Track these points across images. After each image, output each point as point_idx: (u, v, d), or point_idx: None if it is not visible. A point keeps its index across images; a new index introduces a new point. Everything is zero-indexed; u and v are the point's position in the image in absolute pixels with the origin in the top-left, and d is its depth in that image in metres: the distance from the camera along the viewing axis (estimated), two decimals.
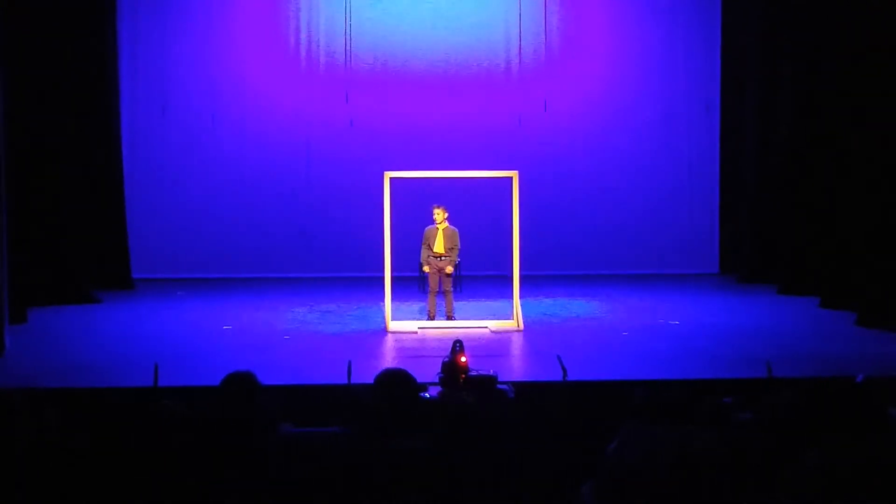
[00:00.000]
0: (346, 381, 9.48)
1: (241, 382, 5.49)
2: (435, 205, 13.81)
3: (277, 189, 18.27)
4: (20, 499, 5.06)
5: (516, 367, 11.59)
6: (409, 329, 13.21)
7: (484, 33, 18.30)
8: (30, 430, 5.36)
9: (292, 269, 18.07)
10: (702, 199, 18.75)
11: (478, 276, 16.83)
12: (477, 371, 7.31)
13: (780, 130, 16.66)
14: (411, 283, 15.86)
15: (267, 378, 5.65)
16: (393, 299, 13.57)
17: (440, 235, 13.74)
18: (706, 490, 5.08)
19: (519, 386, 8.02)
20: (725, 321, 13.86)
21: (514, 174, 13.66)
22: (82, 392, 9.21)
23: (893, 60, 13.54)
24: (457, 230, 13.85)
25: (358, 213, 17.59)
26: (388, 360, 11.65)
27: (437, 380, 7.37)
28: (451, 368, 7.31)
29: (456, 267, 13.96)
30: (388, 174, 13.52)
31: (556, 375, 9.77)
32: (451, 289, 13.92)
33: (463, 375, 7.23)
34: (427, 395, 7.14)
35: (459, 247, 13.90)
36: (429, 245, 13.78)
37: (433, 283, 13.83)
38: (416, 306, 14.73)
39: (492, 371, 7.32)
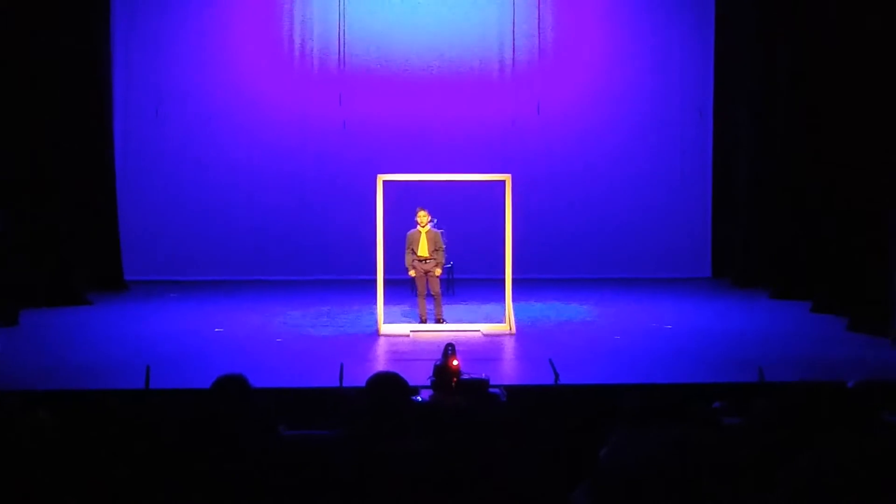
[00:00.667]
0: (337, 385, 9.49)
1: (233, 385, 5.49)
2: (419, 207, 13.80)
3: (270, 191, 18.27)
4: (13, 501, 5.05)
5: (508, 371, 11.59)
6: (401, 332, 13.21)
7: (477, 36, 18.31)
8: (21, 433, 5.35)
9: (285, 271, 18.07)
10: (695, 204, 18.78)
11: (470, 280, 16.83)
12: (469, 375, 7.31)
13: (773, 135, 16.69)
14: (404, 287, 15.86)
15: (259, 381, 5.65)
16: (385, 302, 13.56)
17: (423, 238, 13.74)
18: (697, 494, 5.08)
19: (511, 389, 8.03)
20: (718, 325, 13.87)
21: (506, 178, 13.66)
22: (74, 394, 9.19)
23: (887, 66, 13.57)
24: (440, 232, 13.84)
25: (351, 216, 17.58)
26: (380, 363, 11.65)
27: (428, 383, 7.37)
28: (443, 372, 7.31)
29: (449, 270, 13.95)
30: (382, 177, 13.51)
31: (549, 379, 9.79)
32: (440, 291, 13.91)
33: (455, 379, 7.23)
34: (419, 398, 7.14)
35: (444, 248, 13.89)
36: (412, 249, 13.77)
37: (421, 286, 13.83)
38: (408, 310, 14.72)
39: (484, 375, 7.32)
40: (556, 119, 18.47)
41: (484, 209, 16.78)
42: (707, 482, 5.09)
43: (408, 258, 13.84)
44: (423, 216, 13.74)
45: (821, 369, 10.63)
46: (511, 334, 13.18)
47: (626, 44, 18.61)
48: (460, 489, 4.99)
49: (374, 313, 13.62)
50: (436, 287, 13.82)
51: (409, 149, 17.92)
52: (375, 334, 13.16)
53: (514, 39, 18.27)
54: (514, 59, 18.31)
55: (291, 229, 18.31)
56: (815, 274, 14.99)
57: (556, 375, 9.76)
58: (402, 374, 5.53)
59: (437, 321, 13.68)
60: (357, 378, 8.55)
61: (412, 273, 13.85)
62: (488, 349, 12.34)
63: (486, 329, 13.36)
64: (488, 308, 14.71)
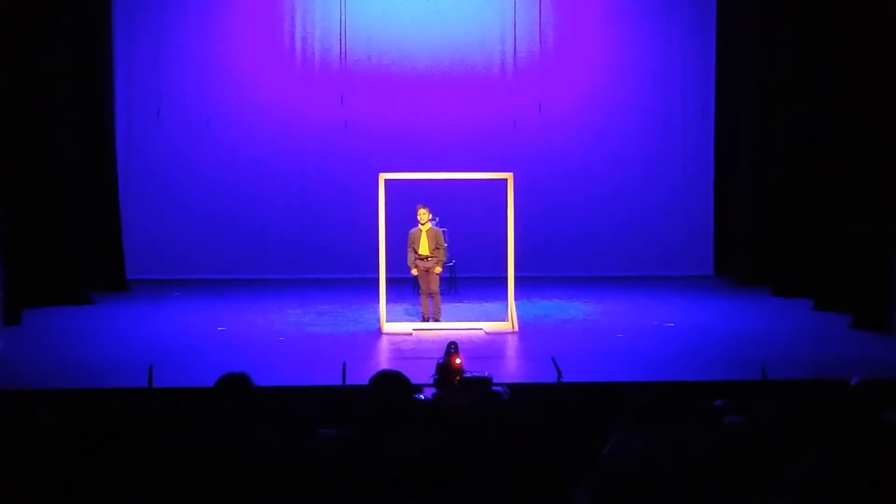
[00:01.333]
0: (340, 383, 9.50)
1: (236, 384, 5.49)
2: (420, 205, 13.79)
3: (272, 190, 18.26)
4: (15, 500, 5.05)
5: (511, 369, 11.60)
6: (403, 331, 13.22)
7: (478, 36, 18.30)
8: (23, 433, 5.36)
9: (287, 270, 18.06)
10: (697, 202, 18.77)
11: (473, 278, 16.84)
12: (472, 373, 7.32)
13: (775, 133, 16.68)
14: (406, 285, 15.86)
15: (262, 379, 5.65)
16: (388, 301, 13.57)
17: (424, 237, 13.72)
18: (700, 493, 5.09)
19: (513, 388, 8.03)
20: (720, 323, 13.87)
21: (508, 176, 13.67)
22: (77, 393, 9.20)
23: (888, 63, 13.56)
24: (441, 230, 13.83)
25: (353, 215, 17.57)
26: (383, 361, 11.66)
27: (431, 382, 7.37)
28: (445, 370, 7.31)
29: (451, 269, 13.95)
30: (383, 176, 13.52)
31: (551, 377, 9.80)
32: (439, 290, 13.91)
33: (458, 377, 7.23)
34: (422, 396, 7.14)
35: (445, 246, 13.87)
36: (413, 248, 13.77)
37: (423, 284, 13.82)
38: (410, 308, 14.72)
39: (486, 373, 7.33)
40: (558, 118, 18.46)
41: (486, 208, 16.78)
42: (708, 481, 5.09)
43: (410, 257, 13.84)
44: (423, 214, 13.73)
45: (824, 367, 10.62)
46: (513, 332, 13.18)
47: (628, 42, 18.60)
48: (463, 487, 5.00)
49: (376, 312, 13.63)
50: (435, 286, 13.80)
51: (410, 148, 17.91)
52: (378, 333, 13.17)
53: (515, 38, 18.26)
54: (515, 57, 18.30)
55: (293, 228, 18.30)
56: (818, 272, 14.98)
57: (559, 373, 9.77)
58: (405, 373, 5.54)
59: (434, 320, 13.66)
60: (360, 376, 8.56)
61: (414, 272, 13.85)
62: (491, 347, 12.34)
63: (488, 327, 13.36)
64: (491, 306, 14.71)
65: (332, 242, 18.16)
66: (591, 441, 5.65)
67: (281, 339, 12.74)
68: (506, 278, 13.67)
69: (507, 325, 13.37)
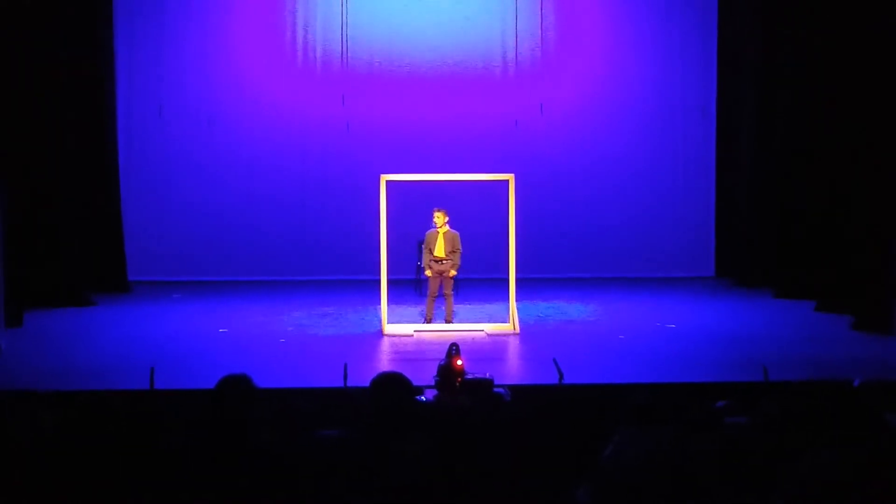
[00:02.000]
0: (342, 385, 9.50)
1: (237, 385, 5.49)
2: (436, 208, 13.79)
3: (274, 192, 18.25)
4: (16, 501, 5.05)
5: (512, 371, 11.60)
6: (405, 332, 13.21)
7: (479, 36, 18.28)
8: (25, 434, 5.36)
9: (288, 272, 18.05)
10: (698, 203, 18.75)
11: (474, 280, 16.83)
12: (473, 374, 7.31)
13: (777, 134, 16.67)
14: (407, 287, 15.86)
15: (263, 381, 5.64)
16: (389, 302, 13.56)
17: (441, 239, 13.72)
18: (701, 494, 5.09)
19: (515, 389, 8.03)
20: (721, 325, 13.86)
21: (510, 177, 13.67)
22: (78, 395, 9.20)
23: (890, 63, 13.56)
24: (458, 234, 13.82)
25: (355, 216, 17.57)
26: (385, 363, 11.66)
27: (433, 383, 7.37)
28: (447, 372, 7.32)
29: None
30: (385, 177, 13.52)
31: (553, 379, 9.80)
32: (452, 293, 13.90)
33: (459, 379, 7.23)
34: (423, 398, 7.14)
35: (461, 250, 13.85)
36: (430, 249, 13.76)
37: (433, 287, 13.80)
38: (412, 309, 14.70)
39: (488, 374, 7.33)
40: (559, 118, 18.44)
41: (487, 209, 16.77)
42: (710, 482, 5.09)
43: (425, 258, 13.84)
44: (439, 217, 13.72)
45: (826, 368, 10.62)
46: (515, 334, 13.18)
47: (629, 43, 18.58)
48: (465, 488, 5.00)
49: (377, 313, 13.63)
50: (448, 288, 13.80)
51: (411, 149, 17.90)
52: (379, 334, 13.16)
53: (517, 39, 18.24)
54: (516, 58, 18.29)
55: (295, 229, 18.29)
56: (820, 273, 14.97)
57: (560, 375, 9.77)
58: (407, 374, 5.54)
59: (447, 321, 13.68)
60: (361, 378, 8.56)
61: (428, 272, 13.82)
62: (492, 349, 12.34)
63: (489, 329, 13.36)
64: (492, 308, 14.70)
65: (334, 244, 18.15)
66: (593, 442, 5.65)
67: (282, 340, 12.74)
68: (507, 279, 13.66)
69: (509, 326, 13.37)
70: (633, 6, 18.58)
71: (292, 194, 18.28)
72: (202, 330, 13.50)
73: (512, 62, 18.30)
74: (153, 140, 18.02)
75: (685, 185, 18.71)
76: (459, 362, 7.41)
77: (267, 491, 5.06)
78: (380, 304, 13.50)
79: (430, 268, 13.72)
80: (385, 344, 12.71)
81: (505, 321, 13.53)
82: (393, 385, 5.43)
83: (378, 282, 13.58)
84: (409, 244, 16.30)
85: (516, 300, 13.52)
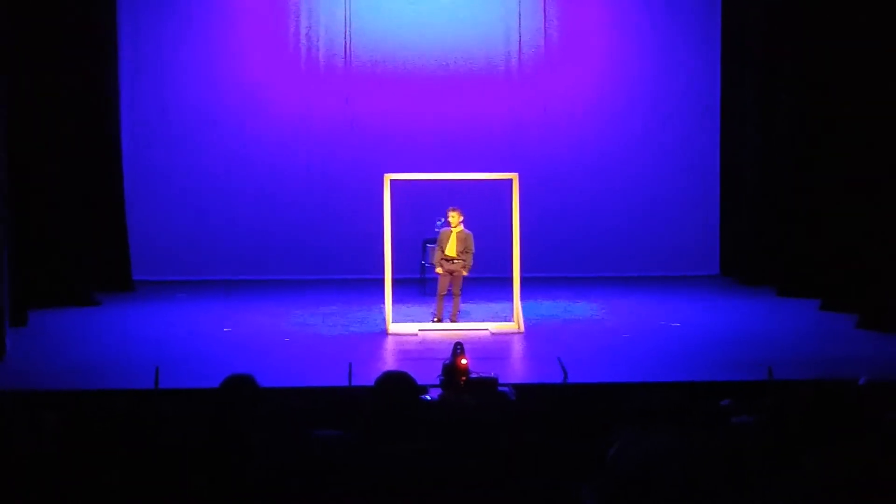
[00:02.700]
0: (346, 384, 9.50)
1: (241, 385, 5.49)
2: (450, 207, 13.82)
3: (277, 191, 18.24)
4: (18, 501, 5.05)
5: (517, 370, 11.60)
6: (409, 331, 13.21)
7: (483, 35, 18.25)
8: (28, 433, 5.36)
9: (292, 271, 18.04)
10: (702, 201, 18.72)
11: (478, 279, 16.81)
12: (478, 373, 7.32)
13: (781, 132, 16.64)
14: (412, 286, 15.85)
15: (267, 380, 5.64)
16: (393, 301, 13.56)
17: (453, 238, 13.74)
18: (706, 494, 5.07)
19: (520, 388, 8.03)
20: (726, 323, 13.85)
21: (514, 176, 13.66)
22: (82, 394, 9.20)
23: (894, 61, 13.54)
24: (471, 234, 13.83)
25: (359, 215, 17.55)
26: (389, 362, 11.66)
27: (437, 382, 7.37)
28: (451, 371, 7.32)
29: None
30: (388, 176, 13.51)
31: (557, 377, 9.79)
32: (460, 292, 13.91)
33: (463, 378, 7.24)
34: (428, 397, 7.14)
35: (474, 251, 13.85)
36: (441, 248, 13.79)
37: (443, 285, 13.80)
38: (416, 309, 14.65)
39: (492, 373, 7.33)
40: (563, 117, 18.42)
41: (491, 208, 16.75)
42: (715, 481, 5.08)
43: (437, 255, 13.86)
44: (453, 216, 13.75)
45: (831, 367, 10.60)
46: (519, 333, 13.17)
47: (633, 41, 18.55)
48: (469, 488, 4.99)
49: (382, 312, 13.62)
50: (457, 287, 13.82)
51: (416, 147, 17.88)
52: (384, 333, 13.16)
53: (520, 38, 18.23)
54: (520, 57, 18.26)
55: (299, 229, 18.27)
56: (824, 271, 14.95)
57: (565, 374, 9.76)
58: (411, 373, 5.53)
59: (451, 320, 13.69)
60: (366, 377, 8.55)
61: (439, 270, 13.84)
62: (497, 348, 12.34)
63: (494, 328, 13.36)
64: (496, 307, 14.68)
65: (338, 243, 18.13)
66: (598, 441, 5.64)
67: (287, 339, 12.73)
68: (511, 278, 13.65)
69: (514, 325, 13.37)
70: (636, 5, 18.55)
71: (296, 194, 18.27)
72: (206, 329, 13.50)
73: (515, 61, 18.28)
74: (157, 139, 18.01)
75: (689, 184, 18.68)
76: (464, 361, 7.41)
77: (269, 490, 5.06)
78: (384, 303, 13.50)
79: (441, 266, 13.74)
80: (389, 343, 12.70)
81: (509, 320, 13.53)
82: (397, 384, 5.43)
83: (382, 281, 13.57)
84: (414, 243, 16.29)
85: (521, 299, 13.51)
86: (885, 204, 13.59)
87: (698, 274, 18.37)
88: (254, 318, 14.19)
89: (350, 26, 18.02)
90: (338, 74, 18.13)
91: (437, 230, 14.34)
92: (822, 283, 14.91)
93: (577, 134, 18.46)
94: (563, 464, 5.48)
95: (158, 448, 5.24)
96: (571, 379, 9.73)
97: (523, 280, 13.71)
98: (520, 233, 13.66)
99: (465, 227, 13.86)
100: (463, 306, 14.15)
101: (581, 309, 15.08)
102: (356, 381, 9.42)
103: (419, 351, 12.03)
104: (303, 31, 18.19)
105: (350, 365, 9.70)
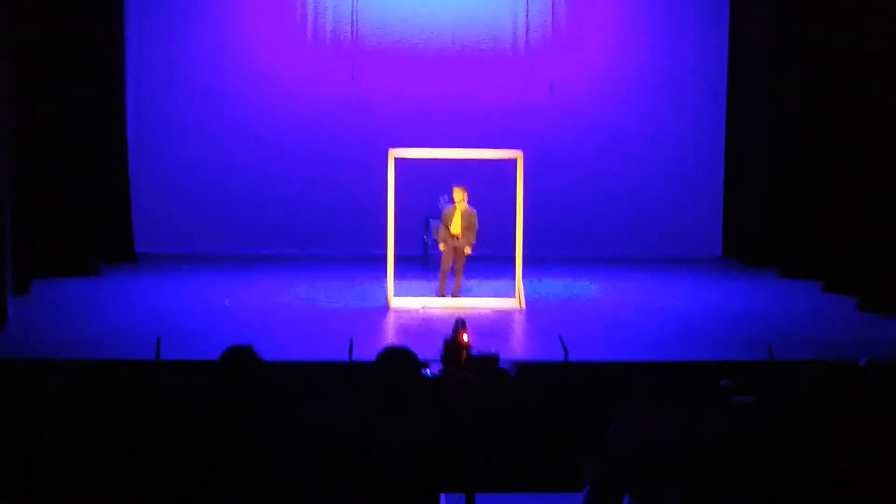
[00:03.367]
0: (347, 358, 9.51)
1: (241, 357, 5.49)
2: (455, 185, 13.85)
3: (282, 166, 18.22)
4: (21, 470, 5.07)
5: (518, 347, 11.61)
6: (411, 307, 13.22)
7: (490, 14, 18.20)
8: (31, 402, 5.37)
9: (296, 246, 18.04)
10: (706, 183, 18.69)
11: (481, 257, 16.81)
12: (479, 350, 7.32)
13: (786, 116, 16.61)
14: (414, 262, 15.84)
15: (268, 353, 5.64)
16: (396, 277, 13.57)
17: (457, 215, 13.77)
18: (706, 472, 5.09)
19: (520, 365, 8.03)
20: (728, 304, 13.85)
21: (518, 154, 13.65)
22: (84, 364, 9.22)
23: None
24: (475, 212, 13.86)
25: (363, 191, 17.53)
26: (390, 337, 11.67)
27: (438, 358, 7.37)
28: (452, 347, 7.32)
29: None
30: (393, 153, 13.50)
31: (558, 355, 9.80)
32: (462, 269, 13.94)
33: (465, 354, 7.24)
34: (429, 372, 7.15)
35: (477, 228, 13.88)
36: (446, 225, 13.82)
37: (446, 262, 13.84)
38: (418, 284, 14.64)
39: (493, 350, 7.33)
40: (568, 97, 18.38)
41: (495, 186, 16.72)
42: (714, 461, 5.09)
43: (441, 233, 13.88)
44: (458, 193, 13.80)
45: (832, 348, 10.61)
46: (521, 310, 13.19)
47: (640, 22, 18.49)
48: (468, 462, 5.01)
49: (384, 288, 13.63)
50: (460, 264, 13.86)
51: (420, 125, 17.84)
52: (385, 308, 13.17)
53: (527, 17, 18.17)
54: (527, 37, 18.21)
55: (303, 204, 18.26)
56: (827, 253, 14.94)
57: (566, 352, 9.77)
58: (412, 349, 5.54)
59: (453, 296, 13.73)
60: (367, 352, 8.56)
61: (442, 246, 13.89)
62: (498, 325, 12.35)
63: (496, 305, 13.37)
64: (498, 284, 14.67)
65: (342, 218, 18.13)
66: (597, 419, 5.65)
67: (227, 301, 12.79)
68: (514, 256, 13.66)
69: (515, 302, 13.38)
70: None
71: (301, 169, 18.25)
72: (208, 302, 13.51)
73: (522, 40, 18.23)
74: (163, 112, 17.99)
75: (694, 166, 18.65)
76: (465, 337, 7.41)
77: (270, 463, 5.07)
78: (386, 278, 13.51)
79: (445, 242, 13.78)
80: (391, 318, 12.72)
81: (511, 297, 13.53)
82: (398, 359, 5.44)
83: (385, 257, 13.58)
84: (417, 220, 16.29)
85: (522, 277, 13.52)
86: (888, 187, 13.57)
87: (701, 255, 18.36)
88: (256, 292, 14.20)
89: (357, 2, 17.97)
90: (344, 51, 18.08)
91: (440, 207, 14.33)
92: (824, 266, 14.91)
93: (582, 114, 18.43)
94: (563, 440, 5.50)
95: (159, 419, 5.25)
96: (572, 357, 9.74)
97: (525, 258, 13.71)
98: (523, 211, 13.65)
99: (468, 204, 13.88)
100: (465, 283, 14.15)
101: (583, 288, 15.08)
102: (357, 356, 9.43)
103: (420, 326, 12.04)
104: (310, 6, 18.14)
105: (351, 340, 9.71)
